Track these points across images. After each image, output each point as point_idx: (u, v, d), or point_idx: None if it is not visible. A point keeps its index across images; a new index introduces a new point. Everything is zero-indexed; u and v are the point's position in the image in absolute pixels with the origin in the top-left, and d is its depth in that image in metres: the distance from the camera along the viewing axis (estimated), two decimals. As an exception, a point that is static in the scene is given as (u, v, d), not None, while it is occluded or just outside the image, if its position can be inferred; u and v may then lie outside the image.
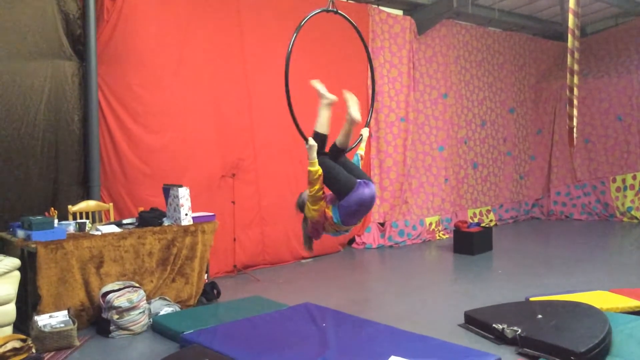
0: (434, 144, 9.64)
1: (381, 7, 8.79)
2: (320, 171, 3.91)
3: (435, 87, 9.63)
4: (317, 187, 3.95)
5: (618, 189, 10.79)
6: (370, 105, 4.73)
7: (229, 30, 6.97)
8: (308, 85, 7.79)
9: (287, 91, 3.93)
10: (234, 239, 6.90)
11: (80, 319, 4.82)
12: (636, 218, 10.48)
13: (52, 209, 5.35)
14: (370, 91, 8.58)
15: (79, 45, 6.02)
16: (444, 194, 9.79)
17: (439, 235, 9.44)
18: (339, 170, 3.97)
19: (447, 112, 9.83)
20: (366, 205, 3.95)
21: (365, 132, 4.42)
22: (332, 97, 4.08)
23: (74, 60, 6.00)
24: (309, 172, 3.93)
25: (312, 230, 4.14)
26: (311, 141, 3.92)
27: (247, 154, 7.13)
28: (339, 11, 4.34)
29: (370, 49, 8.56)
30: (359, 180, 3.93)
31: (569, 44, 4.88)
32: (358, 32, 4.55)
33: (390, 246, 8.74)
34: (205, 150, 6.78)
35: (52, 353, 4.31)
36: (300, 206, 4.21)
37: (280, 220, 7.43)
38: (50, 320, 4.52)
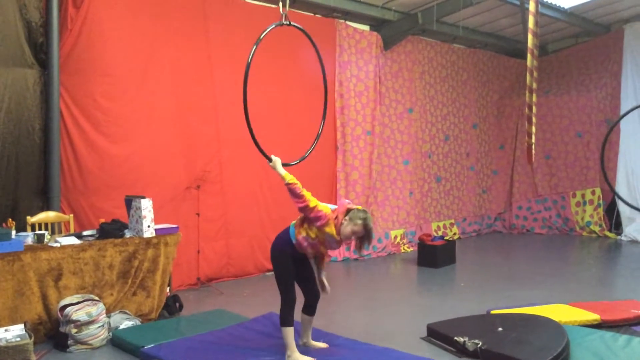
0: (399, 157, 9.73)
1: (348, 22, 8.87)
2: (294, 179, 3.93)
3: (401, 102, 9.74)
4: (309, 198, 3.96)
5: (578, 204, 11.05)
6: (322, 115, 4.81)
7: (195, 41, 6.93)
8: (273, 99, 7.83)
9: (245, 107, 4.00)
10: (198, 251, 6.83)
11: (37, 333, 4.69)
12: (595, 232, 10.73)
13: (10, 219, 5.22)
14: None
15: (41, 54, 5.90)
16: (409, 207, 9.88)
17: (403, 248, 9.51)
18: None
19: (412, 126, 9.95)
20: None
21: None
22: None
23: (35, 69, 5.87)
24: (292, 185, 3.92)
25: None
26: (274, 157, 3.97)
27: (213, 165, 7.08)
28: (293, 23, 4.43)
29: (337, 63, 8.71)
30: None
31: (529, 63, 5.00)
32: (312, 42, 4.61)
33: (356, 259, 8.76)
34: (170, 162, 6.71)
35: (7, 368, 4.20)
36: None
37: (245, 233, 7.40)
38: (6, 334, 4.39)
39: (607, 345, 4.37)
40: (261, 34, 4.16)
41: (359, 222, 3.93)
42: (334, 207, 4.09)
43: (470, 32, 10.34)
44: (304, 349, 4.34)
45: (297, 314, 4.30)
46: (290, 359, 4.12)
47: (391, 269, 8.35)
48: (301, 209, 3.95)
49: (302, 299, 4.44)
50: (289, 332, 4.11)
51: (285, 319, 4.10)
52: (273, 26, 4.24)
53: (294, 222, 4.21)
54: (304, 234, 4.06)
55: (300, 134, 7.88)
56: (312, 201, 3.95)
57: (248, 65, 3.99)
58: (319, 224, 3.94)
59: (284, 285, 4.15)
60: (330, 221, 3.95)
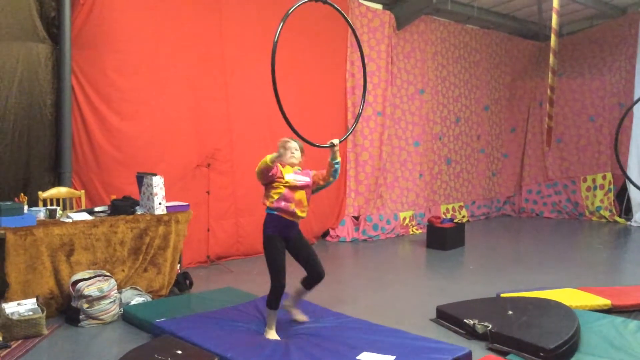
0: (410, 139, 9.68)
1: (361, 1, 8.78)
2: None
3: (413, 83, 9.66)
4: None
5: (588, 189, 10.99)
6: (362, 96, 4.75)
7: (207, 17, 6.88)
8: (285, 78, 7.74)
9: (275, 85, 3.89)
10: (208, 230, 6.85)
11: (49, 308, 4.73)
12: (605, 217, 10.68)
13: (22, 194, 5.24)
14: (348, 84, 8.66)
15: (53, 28, 5.88)
16: (418, 189, 9.85)
17: (412, 230, 9.50)
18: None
19: (424, 107, 9.88)
20: None
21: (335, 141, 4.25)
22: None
23: (47, 44, 5.86)
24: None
25: None
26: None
27: (224, 143, 7.06)
28: (328, 1, 4.25)
29: (348, 42, 8.62)
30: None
31: (552, 43, 4.90)
32: (349, 23, 4.53)
33: (364, 240, 8.77)
34: (181, 139, 6.69)
35: (20, 341, 4.22)
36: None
37: (255, 212, 7.39)
38: (18, 308, 4.42)
39: (617, 330, 4.36)
40: (289, 10, 3.95)
41: (284, 140, 4.25)
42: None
43: (484, 13, 10.22)
44: (284, 314, 4.52)
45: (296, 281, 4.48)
46: (266, 334, 4.27)
47: (400, 250, 8.35)
48: (272, 175, 4.10)
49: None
50: (273, 314, 4.26)
51: (272, 303, 4.23)
52: (306, 0, 4.07)
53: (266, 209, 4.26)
54: (273, 199, 4.16)
55: (314, 114, 7.86)
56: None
57: (275, 44, 3.85)
58: (278, 176, 4.13)
59: (274, 272, 4.19)
60: (280, 166, 4.16)
